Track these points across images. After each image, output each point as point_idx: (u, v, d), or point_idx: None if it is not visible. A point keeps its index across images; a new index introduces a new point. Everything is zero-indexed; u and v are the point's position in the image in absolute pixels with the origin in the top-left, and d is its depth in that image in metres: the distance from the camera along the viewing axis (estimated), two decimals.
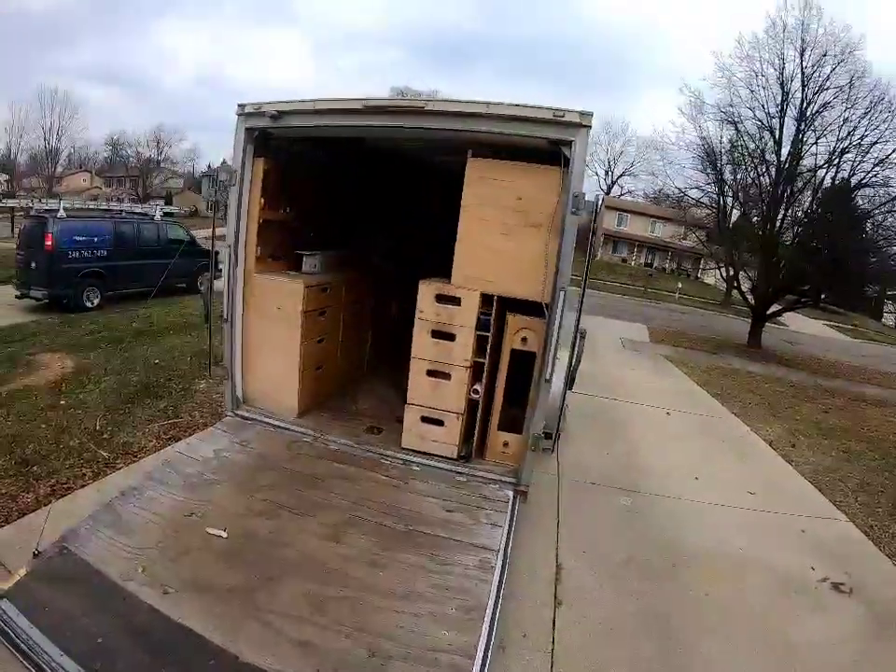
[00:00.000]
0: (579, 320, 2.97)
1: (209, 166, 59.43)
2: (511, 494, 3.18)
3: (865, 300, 24.31)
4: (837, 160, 13.38)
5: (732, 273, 16.36)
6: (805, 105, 13.73)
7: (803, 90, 13.71)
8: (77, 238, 9.97)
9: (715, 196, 15.53)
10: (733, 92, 14.48)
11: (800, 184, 14.19)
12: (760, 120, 14.24)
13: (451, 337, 3.32)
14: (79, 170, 50.86)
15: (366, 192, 4.91)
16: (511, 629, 2.85)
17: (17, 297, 9.89)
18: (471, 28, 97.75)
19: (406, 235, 5.51)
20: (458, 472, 3.35)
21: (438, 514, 2.90)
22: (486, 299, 3.24)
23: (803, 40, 13.52)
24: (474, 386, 3.39)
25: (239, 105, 3.47)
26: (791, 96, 13.88)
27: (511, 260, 3.11)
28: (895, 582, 4.06)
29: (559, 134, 2.80)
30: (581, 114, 2.76)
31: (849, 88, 12.98)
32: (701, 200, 16.02)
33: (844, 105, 13.11)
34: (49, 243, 9.50)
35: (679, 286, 30.28)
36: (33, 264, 9.66)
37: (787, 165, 13.97)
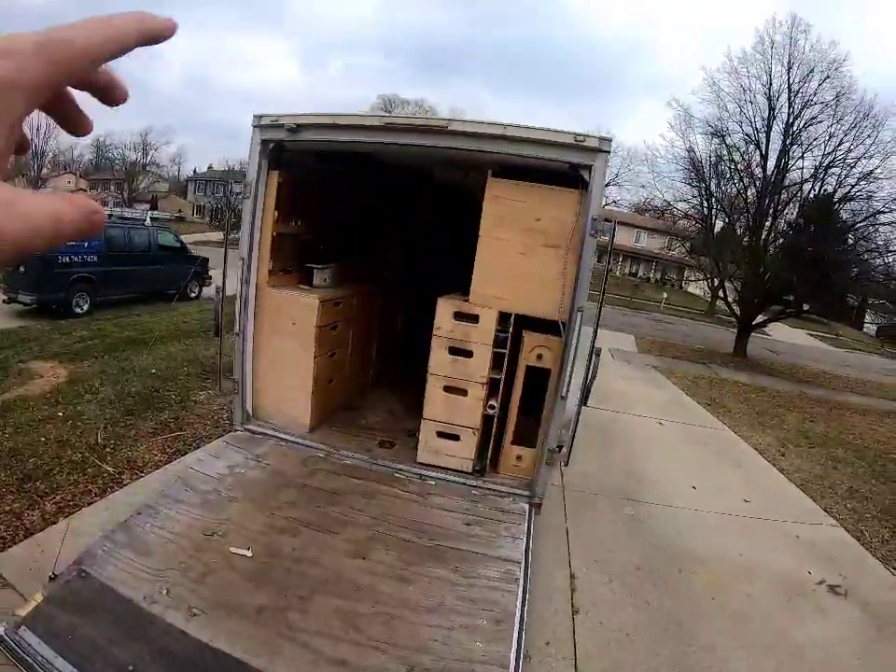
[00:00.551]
0: (595, 338, 3.03)
1: (195, 171, 59.02)
2: (526, 507, 3.23)
3: (847, 309, 24.89)
4: (823, 174, 13.71)
5: (717, 283, 16.64)
6: (791, 119, 14.04)
7: (789, 105, 14.03)
8: (68, 243, 9.75)
9: (701, 208, 15.80)
10: (720, 107, 14.81)
11: (785, 196, 14.50)
12: (747, 135, 14.56)
13: (468, 354, 3.35)
14: (64, 172, 50.04)
15: (375, 205, 4.94)
16: (536, 638, 2.94)
17: (4, 301, 9.70)
18: (457, 36, 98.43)
19: (414, 249, 5.55)
20: (474, 486, 3.38)
21: (458, 528, 2.93)
22: (503, 316, 3.28)
23: (790, 56, 13.84)
24: (490, 402, 3.43)
25: (255, 116, 3.41)
26: (778, 111, 14.20)
27: (529, 280, 3.15)
28: (887, 584, 4.25)
29: (579, 159, 2.86)
30: (601, 139, 2.83)
31: (836, 103, 13.32)
32: (688, 212, 16.29)
33: (830, 119, 13.46)
34: None
35: (665, 296, 30.71)
36: (21, 268, 9.44)
37: (773, 179, 14.27)
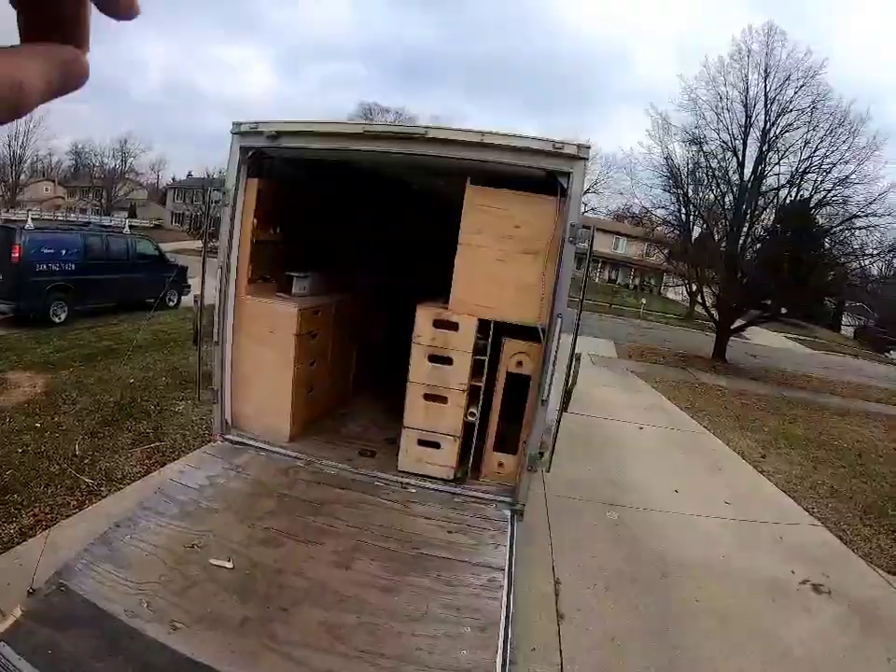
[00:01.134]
0: (574, 343, 3.05)
1: (174, 178, 58.45)
2: (508, 513, 3.23)
3: (824, 312, 25.38)
4: (799, 179, 13.95)
5: (695, 288, 16.85)
6: (768, 126, 14.27)
7: (766, 112, 14.28)
8: (45, 251, 9.59)
9: (679, 215, 15.97)
10: (698, 114, 15.02)
11: (762, 202, 14.74)
12: (724, 142, 14.78)
13: (448, 361, 3.35)
14: (42, 178, 49.25)
15: (355, 213, 4.93)
16: (522, 644, 2.94)
17: None
18: (435, 44, 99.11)
19: (394, 256, 5.54)
20: (456, 493, 3.37)
21: (440, 536, 2.92)
22: (483, 323, 3.28)
23: (767, 64, 14.08)
24: (470, 409, 3.43)
25: (234, 124, 3.38)
26: (754, 118, 14.43)
27: (508, 287, 3.17)
28: (870, 582, 4.32)
29: (557, 166, 2.88)
30: (580, 146, 2.86)
31: (812, 110, 13.56)
32: (666, 218, 16.47)
33: (806, 126, 13.69)
34: (16, 255, 9.10)
35: (644, 301, 31.00)
36: None
37: (750, 185, 14.51)
